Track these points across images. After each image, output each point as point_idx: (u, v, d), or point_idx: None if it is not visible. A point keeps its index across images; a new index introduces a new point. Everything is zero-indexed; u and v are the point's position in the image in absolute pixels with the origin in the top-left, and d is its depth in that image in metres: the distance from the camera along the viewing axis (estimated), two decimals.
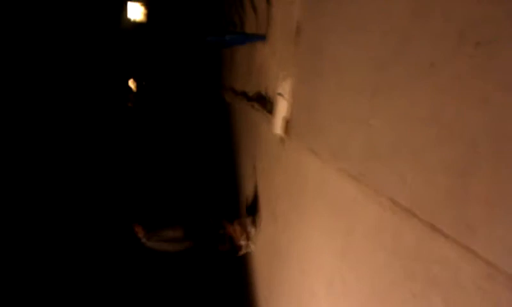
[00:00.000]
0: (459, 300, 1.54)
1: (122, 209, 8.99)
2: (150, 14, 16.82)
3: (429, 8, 1.86)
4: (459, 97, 1.59)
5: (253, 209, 5.78)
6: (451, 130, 1.62)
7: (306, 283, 3.40)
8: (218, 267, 7.33)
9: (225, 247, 6.00)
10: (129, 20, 16.93)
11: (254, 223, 5.61)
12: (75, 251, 8.62)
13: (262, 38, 5.34)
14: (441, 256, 1.64)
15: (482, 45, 1.52)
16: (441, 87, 1.70)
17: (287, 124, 4.06)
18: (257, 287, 5.50)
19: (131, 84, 19.09)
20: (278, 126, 4.21)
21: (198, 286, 7.52)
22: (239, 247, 5.86)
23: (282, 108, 4.14)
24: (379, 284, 2.17)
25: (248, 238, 5.72)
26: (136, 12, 17.06)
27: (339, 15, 3.04)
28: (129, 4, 16.98)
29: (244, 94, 6.57)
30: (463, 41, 1.61)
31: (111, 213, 9.44)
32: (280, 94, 4.17)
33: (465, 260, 1.51)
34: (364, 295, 2.34)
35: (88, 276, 8.08)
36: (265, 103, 5.08)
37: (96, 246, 8.71)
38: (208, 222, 6.19)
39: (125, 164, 11.97)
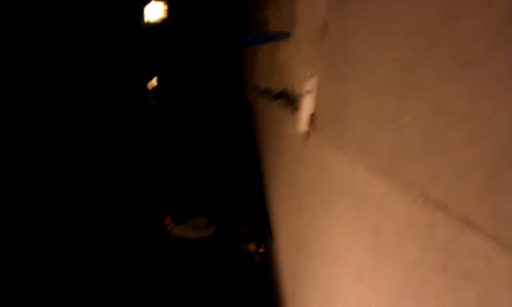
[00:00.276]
0: (493, 292, 1.58)
1: (150, 200, 9.22)
2: (170, 12, 16.96)
3: (460, 10, 1.90)
4: (495, 94, 1.63)
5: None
6: (486, 127, 1.66)
7: (333, 277, 3.46)
8: (240, 260, 7.44)
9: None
10: (150, 19, 17.13)
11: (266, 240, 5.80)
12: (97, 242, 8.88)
13: (285, 35, 5.40)
14: (474, 249, 1.69)
15: None
16: (477, 83, 1.74)
17: (313, 121, 4.12)
18: (282, 281, 5.57)
19: (153, 82, 19.30)
20: (303, 124, 4.27)
21: (219, 280, 7.64)
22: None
23: (308, 105, 4.20)
24: (409, 279, 2.22)
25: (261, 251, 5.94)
26: (156, 11, 17.25)
27: (364, 16, 3.08)
28: (150, 3, 17.19)
29: (267, 92, 6.64)
30: (496, 39, 1.64)
31: (138, 204, 9.70)
32: (305, 91, 4.23)
33: (499, 252, 1.55)
34: (394, 290, 2.39)
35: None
36: (290, 100, 5.15)
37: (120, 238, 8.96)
38: (232, 217, 6.40)
39: (149, 158, 12.20)
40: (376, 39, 2.84)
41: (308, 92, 4.19)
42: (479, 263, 1.65)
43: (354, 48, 3.23)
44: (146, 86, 18.66)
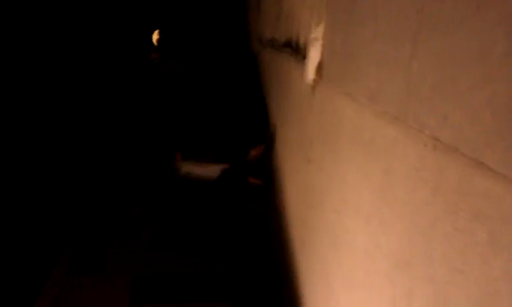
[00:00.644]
0: (505, 233, 1.62)
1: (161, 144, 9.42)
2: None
3: None
4: (508, 35, 1.62)
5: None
6: (498, 69, 1.66)
7: (343, 222, 3.53)
8: (247, 211, 7.61)
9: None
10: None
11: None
12: None
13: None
14: (485, 189, 1.72)
15: None
16: (489, 26, 1.72)
17: (321, 69, 4.10)
18: (290, 231, 5.70)
19: (154, 36, 18.96)
20: (311, 72, 4.25)
21: (227, 231, 7.83)
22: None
23: (315, 53, 4.16)
24: (419, 220, 2.28)
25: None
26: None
27: None
28: None
29: (273, 42, 6.56)
30: None
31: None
32: (312, 39, 4.19)
33: (510, 191, 1.58)
34: (404, 232, 2.46)
35: None
36: (296, 50, 5.10)
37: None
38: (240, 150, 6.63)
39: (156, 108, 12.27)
40: None
41: (315, 39, 4.14)
42: (490, 204, 1.69)
43: None
44: (147, 41, 18.34)
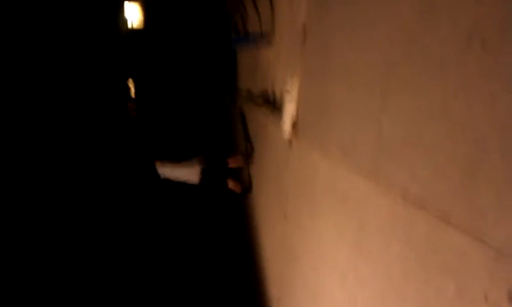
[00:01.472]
0: (470, 284, 1.63)
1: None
2: (148, 16, 16.85)
3: (436, 9, 1.95)
4: (469, 95, 1.68)
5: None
6: (461, 126, 1.71)
7: (320, 278, 3.49)
8: (226, 263, 7.56)
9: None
10: (127, 22, 16.94)
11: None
12: None
13: (265, 38, 5.45)
14: (452, 243, 1.74)
15: (488, 46, 1.61)
16: (451, 85, 1.79)
17: (295, 123, 4.15)
18: (267, 287, 5.59)
19: (131, 89, 19.10)
20: (286, 126, 4.30)
21: (205, 285, 7.73)
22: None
23: (290, 107, 4.23)
24: (393, 275, 2.26)
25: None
26: (133, 13, 17.05)
27: (345, 15, 3.13)
28: (126, 4, 16.96)
29: (249, 95, 6.67)
30: (470, 43, 1.69)
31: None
32: (287, 93, 4.27)
33: (475, 246, 1.60)
34: (379, 287, 2.43)
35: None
36: (272, 103, 5.18)
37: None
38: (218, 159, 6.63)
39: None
40: (358, 37, 2.88)
41: (290, 93, 4.22)
42: (456, 257, 1.70)
43: (335, 49, 3.27)
44: (124, 94, 18.48)
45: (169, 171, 6.68)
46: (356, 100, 2.85)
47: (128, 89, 18.06)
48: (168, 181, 6.80)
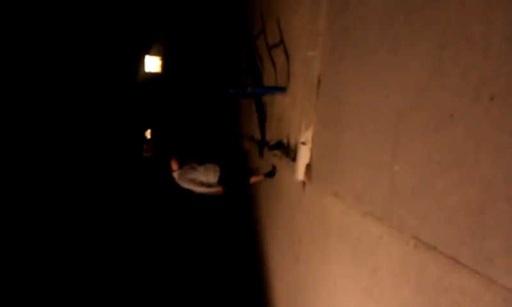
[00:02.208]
0: None
1: None
2: (167, 66, 17.46)
3: (445, 63, 2.13)
4: (477, 144, 1.83)
5: None
6: (469, 174, 1.85)
7: None
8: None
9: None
10: (146, 72, 17.62)
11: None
12: None
13: (282, 89, 5.67)
14: (462, 285, 1.83)
15: (496, 98, 1.76)
16: (459, 135, 1.94)
17: (310, 170, 4.30)
18: None
19: (148, 134, 19.59)
20: (300, 172, 4.45)
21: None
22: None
23: (305, 155, 4.39)
24: None
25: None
26: (152, 64, 17.76)
27: (358, 69, 3.33)
28: (146, 57, 17.74)
29: (265, 143, 6.85)
30: (478, 96, 1.85)
31: None
32: (302, 142, 4.44)
33: (484, 288, 1.70)
34: None
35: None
36: (287, 150, 5.35)
37: None
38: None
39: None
40: (369, 91, 3.07)
41: (303, 143, 4.39)
42: (467, 299, 1.80)
43: (349, 100, 3.46)
44: (140, 138, 18.95)
45: (185, 181, 6.36)
46: (368, 148, 3.00)
47: (145, 131, 18.51)
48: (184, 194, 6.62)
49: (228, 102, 12.03)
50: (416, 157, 2.34)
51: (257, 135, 7.70)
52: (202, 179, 6.20)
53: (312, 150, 4.31)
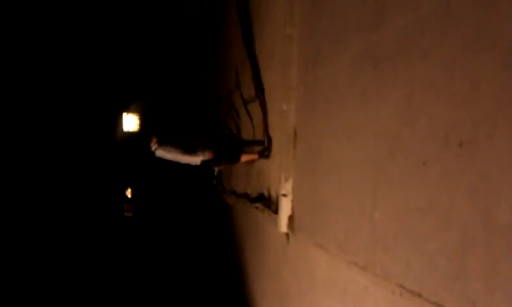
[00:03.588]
0: None
1: None
2: (144, 124, 17.51)
3: (413, 111, 2.20)
4: (451, 189, 1.87)
5: None
6: (447, 218, 1.88)
7: None
8: None
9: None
10: (124, 130, 17.61)
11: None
12: None
13: (260, 142, 5.73)
14: None
15: (465, 144, 1.82)
16: (434, 181, 1.98)
17: (292, 221, 4.30)
18: None
19: (128, 193, 19.38)
20: (283, 224, 4.43)
21: None
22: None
23: (286, 206, 4.39)
24: None
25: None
26: (131, 123, 17.78)
27: (332, 120, 3.41)
28: (124, 115, 17.76)
29: (246, 196, 6.84)
30: (448, 142, 1.91)
31: None
32: (283, 194, 4.45)
33: None
34: None
35: None
36: (268, 203, 5.34)
37: None
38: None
39: None
40: (344, 141, 3.13)
41: (284, 195, 4.41)
42: None
43: (326, 150, 3.52)
44: (120, 197, 18.74)
45: (171, 156, 5.65)
46: (348, 196, 3.03)
47: (125, 190, 18.34)
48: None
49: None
50: (395, 204, 2.38)
51: (239, 189, 7.70)
52: (187, 148, 5.58)
53: (293, 201, 4.32)
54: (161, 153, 5.55)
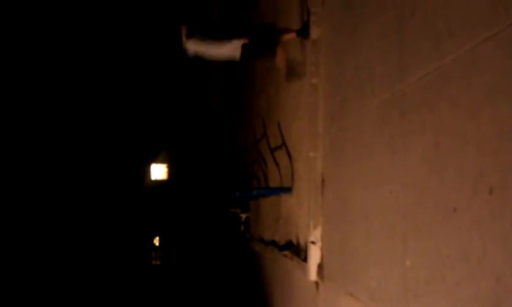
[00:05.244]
0: None
1: None
2: (173, 173, 17.80)
3: (441, 158, 2.23)
4: (483, 236, 1.86)
5: None
6: (479, 266, 1.86)
7: None
8: None
9: None
10: (152, 179, 17.92)
11: None
12: None
13: (287, 190, 5.77)
14: None
15: (495, 190, 1.83)
16: (465, 228, 1.98)
17: (322, 269, 4.26)
18: None
19: (156, 241, 19.51)
20: (313, 273, 4.40)
21: None
22: None
23: (315, 254, 4.37)
24: None
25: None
26: (158, 172, 18.12)
27: (360, 168, 3.45)
28: (152, 165, 18.14)
29: (274, 244, 6.81)
30: (477, 189, 1.92)
31: None
32: (312, 242, 4.44)
33: None
34: None
35: None
36: (297, 251, 5.32)
37: None
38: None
39: None
40: (372, 189, 3.15)
41: (313, 242, 4.40)
42: None
43: (354, 198, 3.53)
44: (148, 246, 18.87)
45: (203, 48, 5.12)
46: (377, 244, 3.02)
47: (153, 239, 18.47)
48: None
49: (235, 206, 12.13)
50: (426, 252, 2.37)
51: (267, 236, 7.68)
52: (221, 35, 5.19)
53: (322, 249, 4.30)
54: (193, 46, 5.24)
